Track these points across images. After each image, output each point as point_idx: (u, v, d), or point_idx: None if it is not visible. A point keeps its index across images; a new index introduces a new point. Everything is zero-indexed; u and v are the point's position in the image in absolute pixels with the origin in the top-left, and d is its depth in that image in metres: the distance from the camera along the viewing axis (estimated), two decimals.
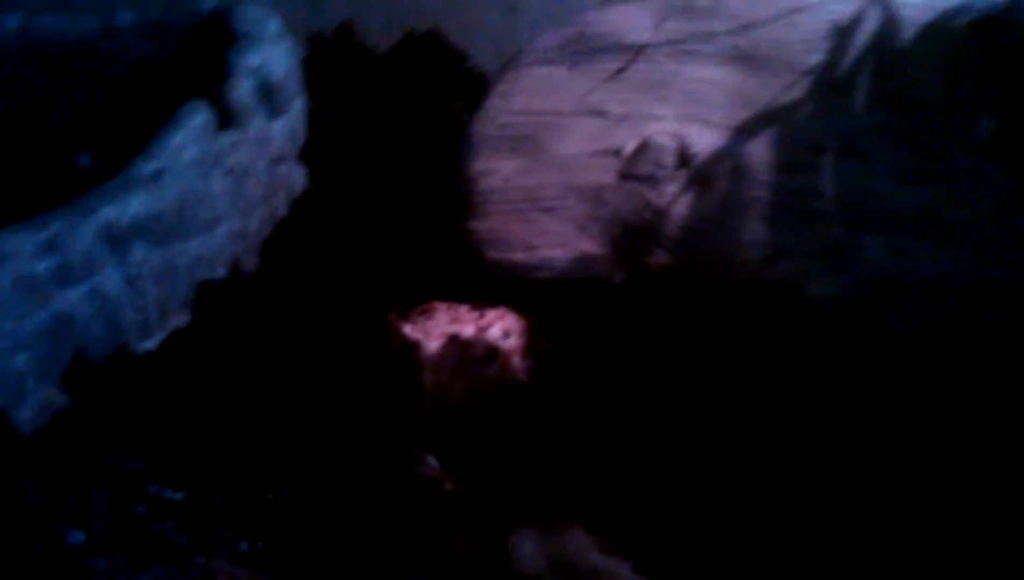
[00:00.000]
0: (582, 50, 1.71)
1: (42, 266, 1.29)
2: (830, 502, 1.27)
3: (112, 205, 1.38)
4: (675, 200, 1.53)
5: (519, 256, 1.55)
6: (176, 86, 1.77)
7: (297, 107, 1.83)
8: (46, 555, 1.09)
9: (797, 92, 1.60)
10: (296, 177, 1.82)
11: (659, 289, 1.51)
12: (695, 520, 1.27)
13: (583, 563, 1.20)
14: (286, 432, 1.33)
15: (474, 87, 2.01)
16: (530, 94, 1.69)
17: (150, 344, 1.43)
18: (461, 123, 1.86)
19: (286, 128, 1.78)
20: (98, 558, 1.12)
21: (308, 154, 1.83)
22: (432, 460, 1.31)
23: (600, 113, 1.63)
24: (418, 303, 1.48)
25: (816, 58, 1.62)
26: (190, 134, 1.53)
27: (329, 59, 2.07)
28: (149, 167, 1.46)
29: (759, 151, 1.55)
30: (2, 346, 1.24)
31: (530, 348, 1.44)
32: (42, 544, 1.10)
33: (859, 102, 1.57)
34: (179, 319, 1.48)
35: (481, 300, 1.49)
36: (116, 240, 1.37)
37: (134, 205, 1.40)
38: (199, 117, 1.55)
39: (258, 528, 1.20)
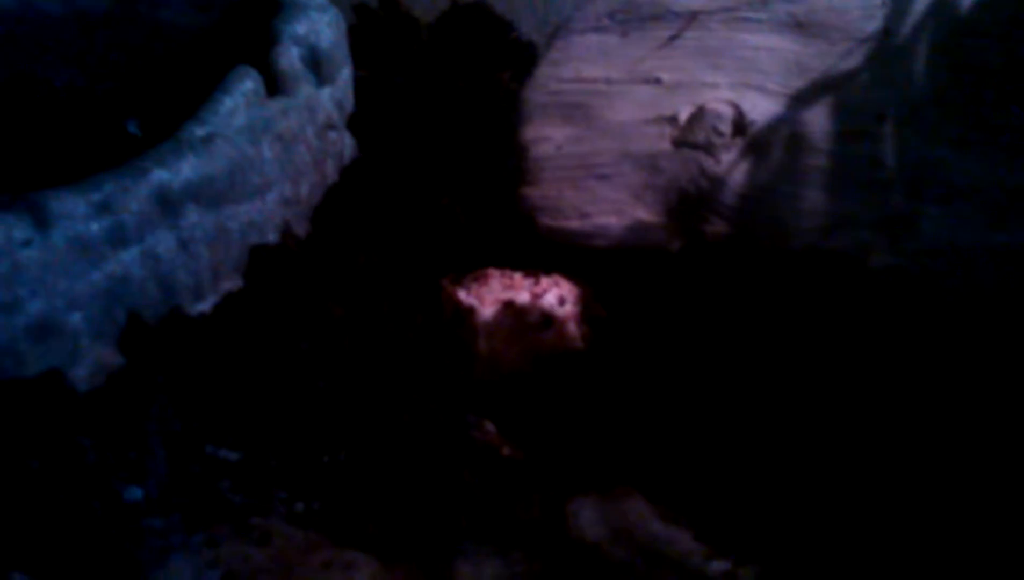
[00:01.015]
0: (633, 17, 1.69)
1: (95, 227, 1.27)
2: (898, 475, 1.24)
3: (164, 168, 1.36)
4: (732, 168, 1.51)
5: (573, 223, 1.54)
6: (223, 54, 1.76)
7: (344, 75, 1.82)
8: (103, 512, 1.08)
9: (855, 59, 1.57)
10: (345, 145, 1.80)
11: (716, 257, 1.49)
12: (754, 491, 1.25)
13: (643, 531, 1.18)
14: (340, 395, 1.31)
15: (521, 56, 1.99)
16: (581, 61, 1.66)
17: (203, 306, 1.42)
18: (510, 92, 1.85)
19: (334, 96, 1.77)
20: (154, 517, 1.10)
21: (356, 123, 1.81)
22: (489, 425, 1.29)
23: (653, 80, 1.61)
24: (471, 269, 1.47)
25: (873, 25, 1.59)
26: (240, 99, 1.52)
27: (375, 29, 2.06)
28: (200, 131, 1.44)
29: (817, 119, 1.52)
30: (57, 305, 1.23)
31: (585, 315, 1.42)
32: (99, 501, 1.09)
33: (919, 69, 1.54)
34: (231, 283, 1.46)
35: (535, 267, 1.47)
36: (169, 202, 1.36)
37: (186, 168, 1.39)
38: (248, 83, 1.54)
39: (313, 490, 1.19)
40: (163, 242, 1.36)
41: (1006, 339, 1.37)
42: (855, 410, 1.32)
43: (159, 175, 1.36)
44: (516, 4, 2.24)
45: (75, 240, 1.26)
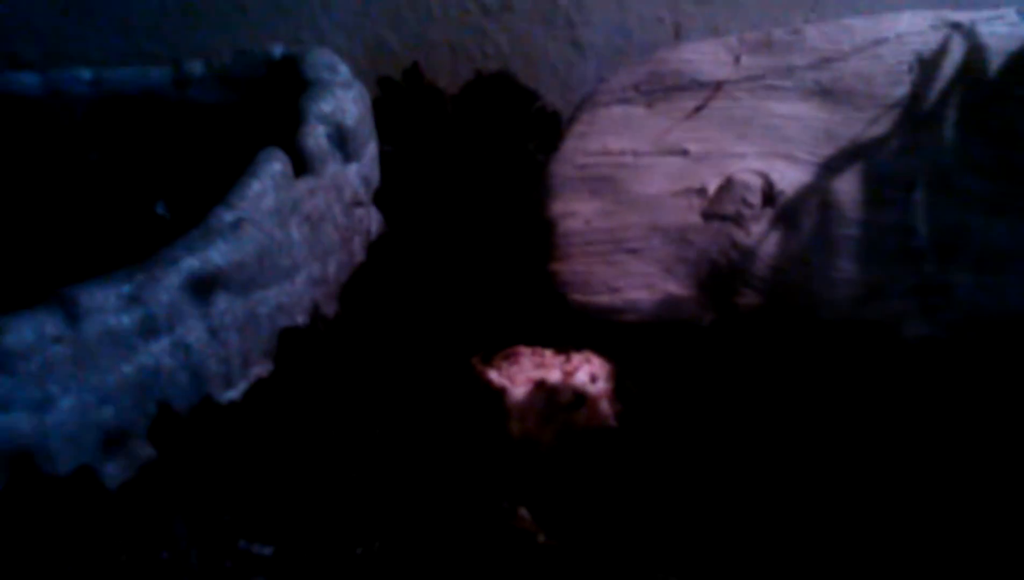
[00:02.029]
0: (658, 88, 1.69)
1: (126, 320, 1.27)
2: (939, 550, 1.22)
3: (194, 256, 1.36)
4: (762, 239, 1.50)
5: (604, 298, 1.53)
6: (249, 134, 1.77)
7: (371, 151, 1.82)
8: None
9: (883, 126, 1.56)
10: (372, 221, 1.81)
11: (749, 330, 1.48)
12: (791, 570, 1.23)
13: None
14: (373, 482, 1.30)
15: (546, 126, 1.99)
16: (607, 134, 1.66)
17: (233, 394, 1.41)
18: (536, 163, 1.85)
19: (360, 172, 1.77)
20: None
21: (383, 198, 1.81)
22: (524, 511, 1.27)
23: (680, 152, 1.60)
24: (502, 347, 1.45)
25: (901, 91, 1.58)
26: (268, 182, 1.52)
27: (399, 102, 2.07)
28: (229, 216, 1.44)
29: (847, 187, 1.51)
30: (88, 400, 1.23)
31: (618, 392, 1.41)
32: None
33: (948, 135, 1.53)
34: (261, 368, 1.46)
35: (566, 344, 1.45)
36: (199, 291, 1.36)
37: (216, 255, 1.38)
38: (277, 164, 1.54)
39: None
40: (193, 331, 1.35)
41: None
42: (896, 485, 1.29)
43: (189, 264, 1.36)
44: (539, 73, 2.25)
45: (106, 334, 1.26)
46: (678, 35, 2.21)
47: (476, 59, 2.32)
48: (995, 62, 1.57)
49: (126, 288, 1.29)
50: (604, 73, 2.17)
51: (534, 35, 2.30)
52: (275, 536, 1.21)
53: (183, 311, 1.34)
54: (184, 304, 1.34)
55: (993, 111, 1.53)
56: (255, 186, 1.50)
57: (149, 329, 1.30)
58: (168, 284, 1.32)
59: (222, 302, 1.39)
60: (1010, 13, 1.63)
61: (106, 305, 1.26)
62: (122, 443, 1.27)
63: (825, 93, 1.61)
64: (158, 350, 1.31)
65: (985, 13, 1.63)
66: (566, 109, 2.06)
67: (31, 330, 1.19)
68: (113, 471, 1.26)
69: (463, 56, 2.33)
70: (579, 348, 1.45)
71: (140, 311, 1.29)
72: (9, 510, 1.13)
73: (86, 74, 1.95)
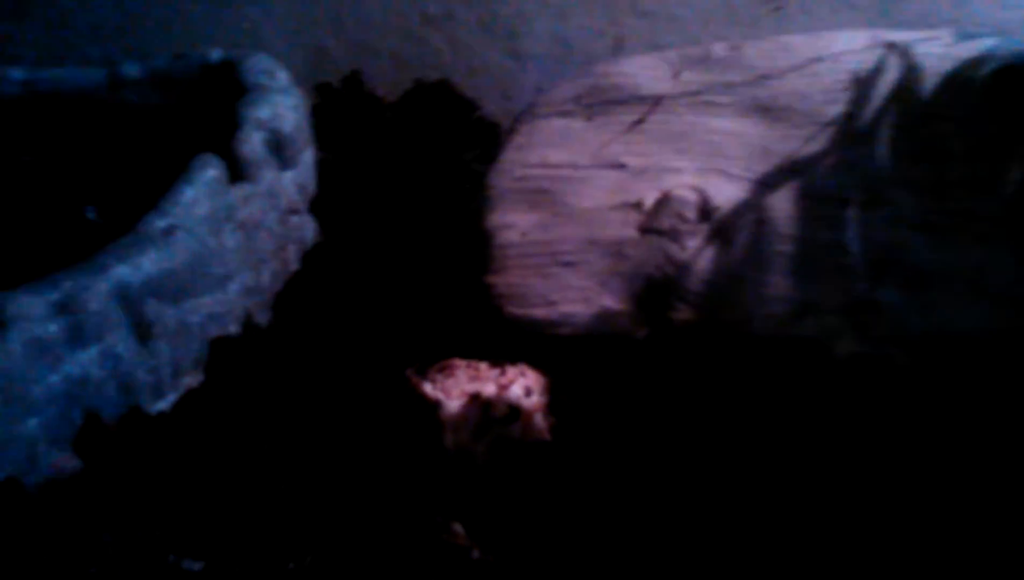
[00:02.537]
0: (598, 101, 1.69)
1: (53, 328, 1.25)
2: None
3: (125, 264, 1.34)
4: (697, 254, 1.50)
5: (539, 312, 1.52)
6: (185, 138, 1.75)
7: (307, 158, 1.81)
8: None
9: (819, 143, 1.58)
10: (307, 229, 1.79)
11: (682, 345, 1.48)
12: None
13: None
14: (304, 495, 1.28)
15: (486, 136, 1.98)
16: (546, 147, 1.66)
17: (163, 404, 1.39)
18: (474, 173, 1.84)
19: (296, 180, 1.76)
20: None
21: (319, 206, 1.80)
22: (458, 526, 1.26)
23: (619, 166, 1.61)
24: (436, 359, 1.44)
25: (837, 109, 1.60)
26: (203, 188, 1.50)
27: (337, 109, 2.05)
28: (162, 223, 1.43)
29: (782, 204, 1.52)
30: (12, 412, 1.20)
31: (552, 406, 1.40)
32: None
33: (882, 153, 1.55)
34: (192, 378, 1.44)
35: (501, 356, 1.45)
36: (129, 300, 1.34)
37: (146, 263, 1.37)
38: (211, 171, 1.52)
39: None
40: (123, 341, 1.33)
41: (970, 427, 1.36)
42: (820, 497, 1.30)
43: (119, 272, 1.34)
44: (480, 83, 2.25)
45: (32, 343, 1.23)
46: (618, 48, 2.21)
47: (417, 68, 2.30)
48: (930, 82, 1.59)
49: (54, 295, 1.27)
50: (544, 83, 2.17)
51: (475, 45, 2.29)
52: (205, 551, 1.19)
53: (113, 320, 1.32)
54: (114, 313, 1.32)
55: (926, 130, 1.55)
56: (188, 193, 1.49)
57: (77, 338, 1.28)
58: (98, 291, 1.30)
59: (153, 311, 1.37)
60: (945, 34, 1.65)
61: (32, 313, 1.24)
62: (47, 455, 1.25)
63: (763, 110, 1.62)
64: (86, 359, 1.29)
65: (921, 33, 1.66)
66: (506, 118, 2.05)
67: None
68: (38, 482, 1.23)
69: (404, 64, 2.32)
70: (514, 361, 1.44)
71: (68, 319, 1.27)
72: None
73: (17, 74, 1.92)
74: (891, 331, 1.43)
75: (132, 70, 1.91)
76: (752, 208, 1.52)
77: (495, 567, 1.22)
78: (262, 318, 1.59)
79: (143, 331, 1.36)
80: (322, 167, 1.86)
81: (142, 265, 1.36)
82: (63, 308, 1.27)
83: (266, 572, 1.18)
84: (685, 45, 1.81)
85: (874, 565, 1.23)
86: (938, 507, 1.29)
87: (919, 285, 1.45)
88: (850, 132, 1.58)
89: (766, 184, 1.55)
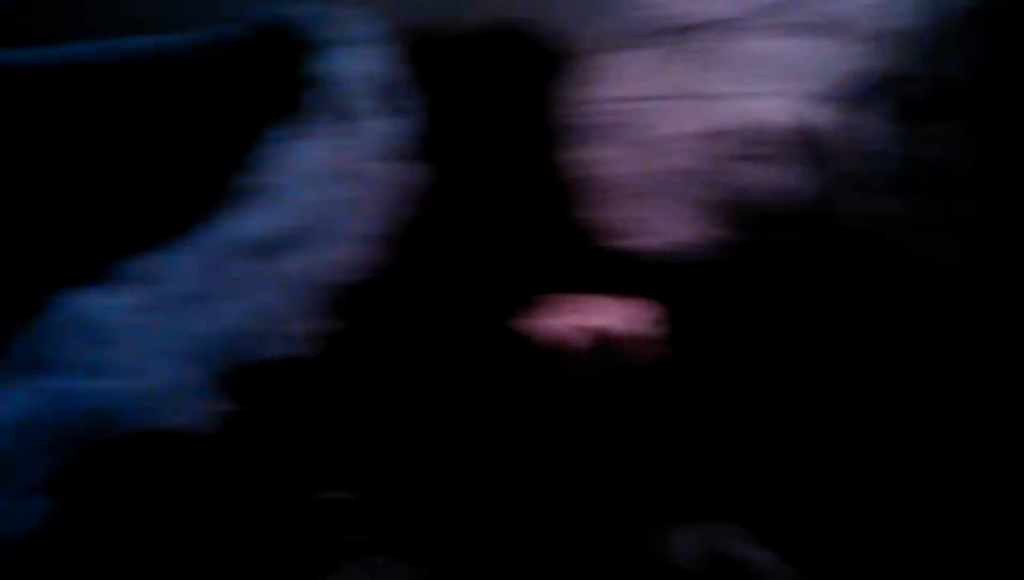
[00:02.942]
0: (668, 31, 1.73)
1: (196, 285, 1.35)
2: None
3: (247, 222, 1.43)
4: (789, 176, 1.55)
5: (639, 242, 1.59)
6: (282, 97, 1.81)
7: (403, 105, 1.86)
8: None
9: (895, 59, 1.60)
10: (411, 175, 1.85)
11: (788, 265, 1.53)
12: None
13: (734, 555, 1.23)
14: (433, 432, 1.38)
15: (571, 71, 2.01)
16: (625, 80, 1.71)
17: (302, 350, 1.48)
18: (563, 108, 1.87)
19: (396, 127, 1.81)
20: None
21: (419, 151, 1.85)
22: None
23: (698, 95, 1.65)
24: (544, 296, 1.52)
25: (909, 22, 1.61)
26: (304, 145, 1.57)
27: (427, 55, 2.10)
28: (278, 180, 1.50)
29: (868, 122, 1.56)
30: (168, 364, 1.30)
31: (662, 334, 1.47)
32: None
33: (964, 65, 1.56)
34: (327, 323, 1.53)
35: (604, 289, 1.52)
36: (261, 252, 1.42)
37: (262, 222, 1.46)
38: (319, 126, 1.59)
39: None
40: (262, 292, 1.42)
41: None
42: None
43: (247, 229, 1.43)
44: (562, 12, 2.26)
45: (178, 297, 1.33)
46: None
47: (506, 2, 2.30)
48: None
49: (194, 256, 1.36)
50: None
51: None
52: (355, 485, 1.29)
53: (248, 273, 1.41)
54: (248, 265, 1.41)
55: (1004, 42, 1.56)
56: (301, 149, 1.56)
57: (219, 292, 1.37)
58: (232, 247, 1.40)
59: (283, 262, 1.46)
60: None
61: (181, 271, 1.34)
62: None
63: (833, 27, 1.64)
64: (229, 310, 1.39)
65: None
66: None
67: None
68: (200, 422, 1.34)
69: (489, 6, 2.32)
70: (618, 293, 1.51)
71: (208, 275, 1.36)
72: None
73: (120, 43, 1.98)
74: (992, 243, 1.48)
75: (228, 32, 1.96)
76: (839, 128, 1.56)
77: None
78: (384, 262, 1.66)
79: (276, 283, 1.45)
80: (420, 113, 1.90)
81: (258, 223, 1.45)
82: (203, 267, 1.36)
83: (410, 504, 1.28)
84: None
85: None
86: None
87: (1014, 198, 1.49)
88: (925, 46, 1.59)
89: (850, 103, 1.57)
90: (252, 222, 1.45)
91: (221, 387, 1.37)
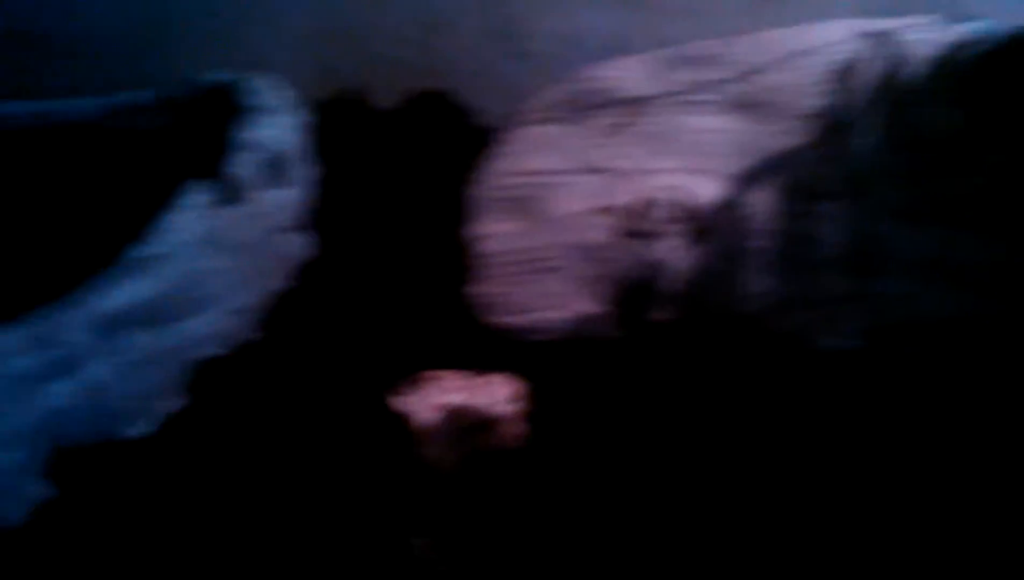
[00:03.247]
0: (583, 106, 1.69)
1: (31, 361, 1.28)
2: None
3: (105, 294, 1.37)
4: (676, 254, 1.50)
5: (518, 319, 1.53)
6: (184, 162, 1.78)
7: (305, 176, 1.82)
8: None
9: (800, 137, 1.56)
10: (300, 247, 1.80)
11: (663, 345, 1.47)
12: None
13: None
14: (286, 516, 1.30)
15: (482, 144, 1.98)
16: (531, 153, 1.67)
17: (143, 430, 1.42)
18: (466, 184, 1.84)
19: (292, 198, 1.77)
20: None
21: (313, 222, 1.81)
22: (426, 540, 1.27)
23: (600, 170, 1.61)
24: (418, 372, 1.46)
25: (819, 102, 1.58)
26: (192, 214, 1.53)
27: (337, 125, 2.06)
28: (144, 252, 1.45)
29: (762, 199, 1.52)
30: None
31: (528, 414, 1.41)
32: None
33: (865, 144, 1.53)
34: (175, 402, 1.46)
35: (481, 365, 1.45)
36: (110, 328, 1.36)
37: (129, 292, 1.39)
38: (201, 196, 1.55)
39: None
40: (103, 369, 1.36)
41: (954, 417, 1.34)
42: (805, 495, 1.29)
43: (100, 303, 1.36)
44: (487, 87, 2.25)
45: (9, 377, 1.26)
46: (623, 47, 2.19)
47: (421, 72, 2.31)
48: (913, 69, 1.57)
49: (33, 329, 1.30)
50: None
51: (481, 50, 2.29)
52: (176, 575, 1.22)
53: (93, 349, 1.35)
54: (94, 342, 1.35)
55: (909, 118, 1.53)
56: (178, 219, 1.51)
57: (55, 370, 1.31)
58: (77, 323, 1.33)
59: (135, 338, 1.40)
60: (929, 20, 1.62)
61: (10, 346, 1.27)
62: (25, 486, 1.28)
63: (746, 107, 1.61)
64: (65, 390, 1.32)
65: (905, 20, 1.63)
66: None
67: None
68: (16, 513, 1.26)
69: (410, 73, 2.32)
70: (494, 370, 1.45)
71: (47, 352, 1.30)
72: None
73: (28, 107, 1.96)
74: (875, 323, 1.42)
75: (138, 97, 1.94)
76: (731, 205, 1.51)
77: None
78: (251, 337, 1.60)
79: (125, 358, 1.38)
80: (321, 183, 1.87)
81: (123, 294, 1.38)
82: (42, 341, 1.29)
83: None
84: (692, 38, 1.80)
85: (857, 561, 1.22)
86: (924, 499, 1.27)
87: (899, 275, 1.43)
88: (834, 125, 1.56)
89: (746, 181, 1.54)
90: (110, 294, 1.37)
91: (44, 472, 1.29)
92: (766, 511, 1.29)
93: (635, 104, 1.66)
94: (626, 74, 1.71)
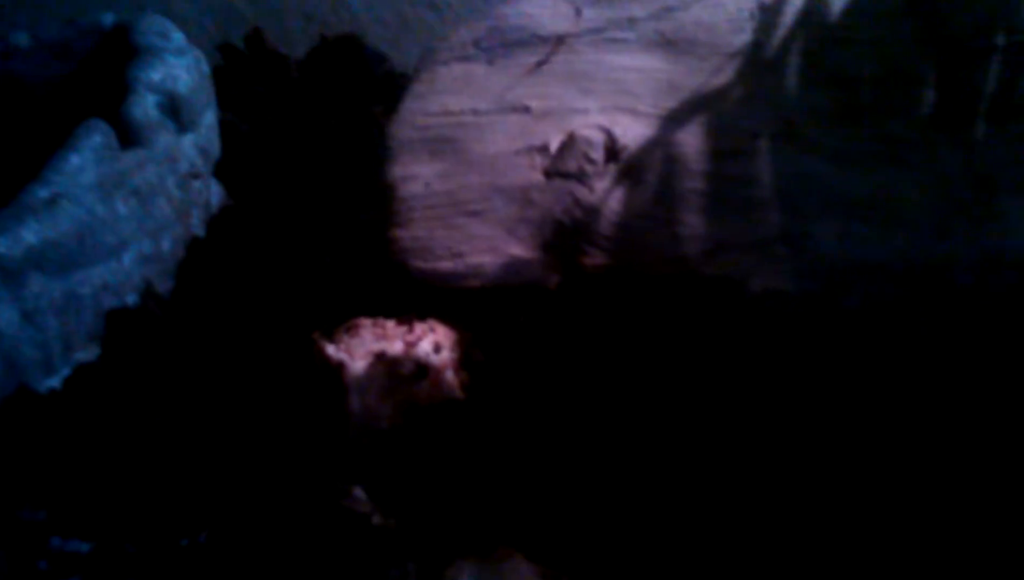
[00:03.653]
0: (499, 44, 1.64)
1: None
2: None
3: (2, 237, 1.27)
4: (606, 196, 1.45)
5: (445, 264, 1.47)
6: (79, 107, 1.68)
7: (208, 120, 1.74)
8: None
9: (726, 76, 1.53)
10: (212, 193, 1.73)
11: (595, 290, 1.43)
12: (642, 544, 1.20)
13: None
14: (202, 469, 1.23)
15: (395, 90, 1.92)
16: (447, 93, 1.60)
17: (53, 381, 1.33)
18: (381, 126, 1.78)
19: (197, 143, 1.69)
20: None
21: (223, 169, 1.73)
22: (359, 491, 1.22)
23: (522, 109, 1.55)
24: (344, 320, 1.39)
25: (743, 39, 1.56)
26: (88, 155, 1.44)
27: (241, 69, 1.98)
28: (43, 192, 1.36)
29: (691, 140, 1.48)
30: None
31: (463, 362, 1.36)
32: None
33: (792, 83, 1.51)
34: (85, 353, 1.38)
35: (409, 313, 1.40)
36: (9, 273, 1.27)
37: (27, 234, 1.30)
38: (97, 137, 1.45)
39: (173, 577, 1.11)
40: (4, 315, 1.27)
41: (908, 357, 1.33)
42: (744, 449, 1.27)
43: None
44: (397, 36, 2.19)
45: None
46: None
47: (331, 24, 2.24)
48: (836, 5, 1.55)
49: None
50: None
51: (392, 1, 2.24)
52: (93, 532, 1.14)
53: None
54: None
55: (836, 55, 1.51)
56: (73, 160, 1.42)
57: None
58: None
59: (36, 284, 1.31)
60: None
61: None
62: None
63: (668, 44, 1.58)
64: None
65: None
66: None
67: None
68: None
69: (317, 22, 2.26)
70: (423, 317, 1.39)
71: None
72: None
73: None
74: (808, 265, 1.39)
75: (22, 39, 1.83)
76: (660, 145, 1.48)
77: (398, 531, 1.17)
78: (163, 286, 1.52)
79: (27, 306, 1.29)
80: (227, 130, 1.79)
81: (22, 237, 1.29)
82: None
83: (157, 550, 1.13)
84: None
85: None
86: (857, 457, 1.26)
87: (837, 216, 1.41)
88: (757, 62, 1.53)
89: (674, 120, 1.50)
90: (7, 236, 1.28)
91: None
92: (698, 460, 1.27)
93: (554, 42, 1.61)
94: (542, 11, 1.66)
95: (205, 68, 1.77)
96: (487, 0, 2.18)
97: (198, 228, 1.67)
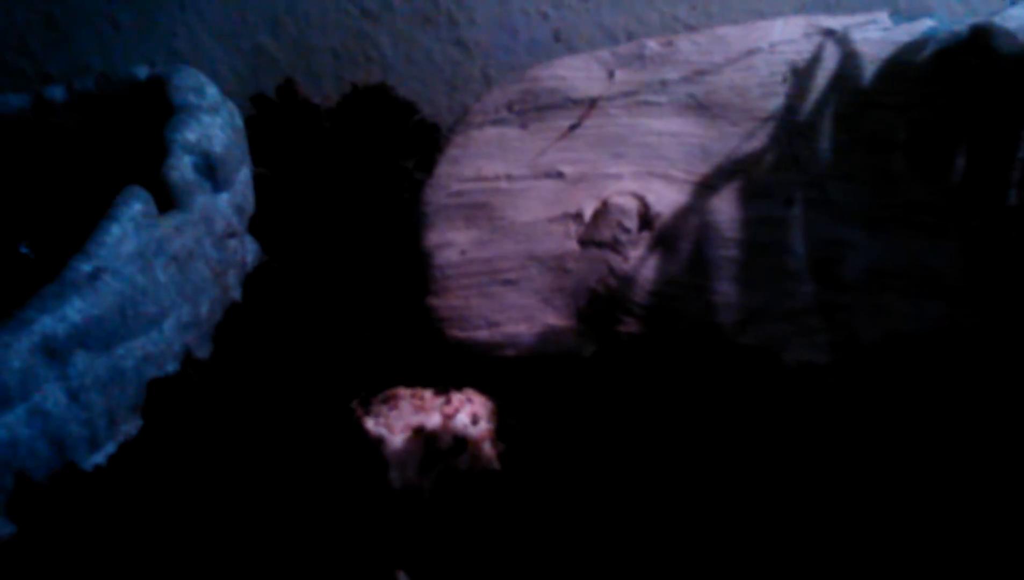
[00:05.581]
0: (532, 107, 1.65)
1: None
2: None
3: (47, 315, 1.30)
4: (640, 265, 1.47)
5: (482, 334, 1.48)
6: (115, 162, 1.71)
7: (243, 176, 1.76)
8: None
9: (759, 140, 1.55)
10: (247, 251, 1.75)
11: (631, 359, 1.45)
12: None
13: None
14: (251, 548, 1.25)
15: (426, 140, 1.93)
16: (481, 158, 1.62)
17: (99, 458, 1.35)
18: (414, 182, 1.79)
19: (232, 201, 1.71)
20: None
21: (258, 225, 1.75)
22: (402, 574, 1.24)
23: (555, 174, 1.57)
24: (381, 388, 1.41)
25: (776, 102, 1.57)
26: (128, 225, 1.45)
27: (274, 120, 2.00)
28: (86, 267, 1.38)
29: (724, 206, 1.49)
30: None
31: (500, 432, 1.37)
32: None
33: (825, 147, 1.52)
34: (130, 426, 1.40)
35: (447, 382, 1.41)
36: (55, 352, 1.29)
37: (71, 312, 1.32)
38: (137, 205, 1.47)
39: None
40: (51, 396, 1.29)
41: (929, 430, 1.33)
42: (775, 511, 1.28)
43: (42, 325, 1.29)
44: (424, 75, 2.21)
45: None
46: (559, 38, 2.16)
47: (359, 63, 2.26)
48: (869, 69, 1.56)
49: None
50: (490, 71, 2.14)
51: (416, 36, 2.25)
52: None
53: (39, 375, 1.28)
54: (39, 368, 1.28)
55: (867, 119, 1.52)
56: (114, 231, 1.44)
57: (2, 399, 1.23)
58: (20, 349, 1.26)
59: (82, 361, 1.33)
60: (883, 18, 1.62)
61: None
62: None
63: (700, 107, 1.59)
64: (12, 420, 1.25)
65: (858, 18, 1.62)
66: (454, 110, 2.02)
67: None
68: None
69: (346, 61, 2.27)
70: (459, 387, 1.41)
71: None
72: None
73: None
74: (840, 336, 1.40)
75: (57, 93, 1.85)
76: (694, 212, 1.49)
77: None
78: (203, 352, 1.54)
79: (73, 384, 1.31)
80: (260, 183, 1.81)
81: (66, 315, 1.31)
82: None
83: None
84: (630, 25, 1.77)
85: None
86: (898, 513, 1.27)
87: (868, 286, 1.42)
88: (790, 126, 1.54)
89: (707, 186, 1.51)
90: (53, 314, 1.30)
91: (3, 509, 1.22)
92: (739, 529, 1.28)
93: (587, 105, 1.62)
94: (575, 73, 1.68)
95: (239, 122, 1.79)
96: (514, 39, 2.22)
97: (235, 289, 1.69)
